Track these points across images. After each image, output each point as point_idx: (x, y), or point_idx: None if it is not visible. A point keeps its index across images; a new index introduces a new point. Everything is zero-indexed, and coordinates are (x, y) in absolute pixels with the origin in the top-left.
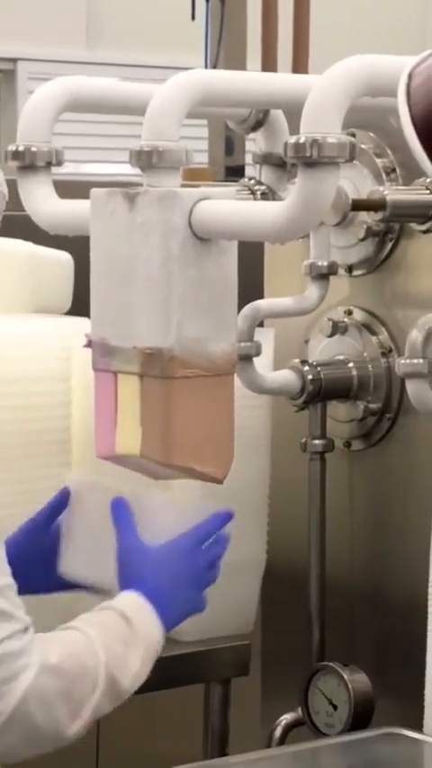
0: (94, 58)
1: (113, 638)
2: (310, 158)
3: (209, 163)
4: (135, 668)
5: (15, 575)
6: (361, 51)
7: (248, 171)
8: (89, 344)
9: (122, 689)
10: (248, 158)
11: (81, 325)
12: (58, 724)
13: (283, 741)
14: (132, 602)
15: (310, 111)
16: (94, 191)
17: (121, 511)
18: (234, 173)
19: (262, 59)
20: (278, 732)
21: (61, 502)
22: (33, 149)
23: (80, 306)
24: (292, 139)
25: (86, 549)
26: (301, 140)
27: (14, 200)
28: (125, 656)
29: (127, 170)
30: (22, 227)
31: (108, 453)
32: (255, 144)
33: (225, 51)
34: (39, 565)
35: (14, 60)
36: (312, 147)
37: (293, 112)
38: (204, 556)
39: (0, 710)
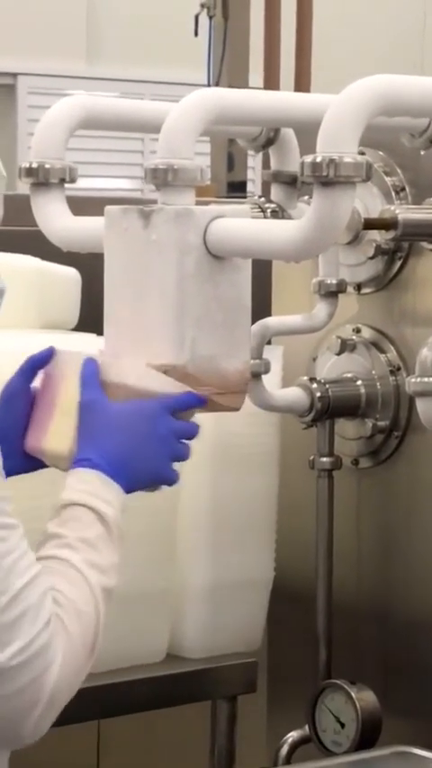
0: (94, 73)
1: (96, 549)
2: (327, 178)
3: (211, 179)
4: (116, 562)
5: None
6: (361, 67)
7: (249, 186)
8: None
9: (113, 589)
10: (250, 174)
11: (90, 342)
12: (83, 676)
13: (289, 759)
14: (94, 485)
15: (326, 131)
16: (108, 208)
17: (90, 368)
18: (236, 188)
19: (264, 74)
20: (285, 750)
21: (39, 362)
22: (47, 166)
23: (87, 322)
24: (309, 159)
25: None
26: (318, 159)
27: (22, 215)
28: (109, 562)
29: (124, 185)
30: (29, 242)
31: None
32: (253, 160)
33: (228, 67)
34: (15, 439)
35: (14, 75)
36: (329, 166)
37: (305, 131)
38: (173, 423)
39: (34, 703)
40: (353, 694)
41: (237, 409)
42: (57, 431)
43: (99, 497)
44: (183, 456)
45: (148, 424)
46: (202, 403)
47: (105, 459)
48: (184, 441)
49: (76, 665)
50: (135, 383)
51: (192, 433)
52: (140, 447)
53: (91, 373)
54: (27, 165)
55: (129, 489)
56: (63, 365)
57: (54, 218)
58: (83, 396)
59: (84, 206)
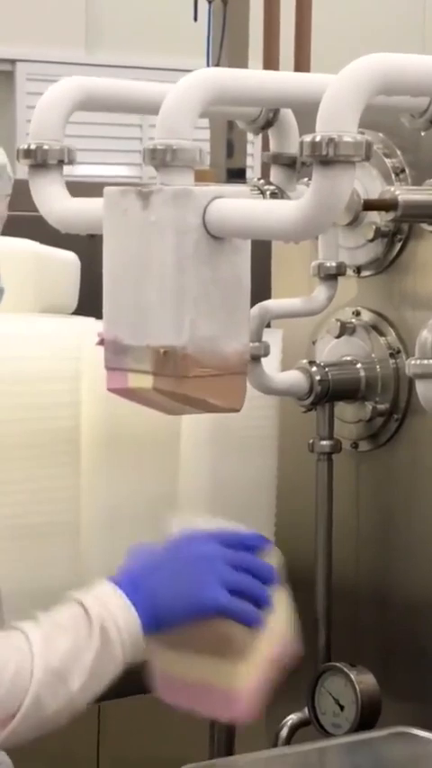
0: (93, 60)
1: (62, 629)
2: (326, 157)
3: (211, 165)
4: (87, 662)
5: None
6: (361, 50)
7: (248, 174)
8: (101, 343)
9: (71, 686)
10: (249, 161)
11: (90, 325)
12: None
13: (289, 741)
14: (98, 589)
15: (326, 110)
16: (107, 189)
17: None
18: (235, 175)
19: (264, 60)
20: (284, 732)
21: None
22: (45, 147)
23: (86, 306)
24: (308, 138)
25: None
26: (317, 139)
27: (20, 200)
28: (75, 650)
29: (123, 172)
30: (28, 227)
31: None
32: (252, 147)
33: (227, 52)
34: None
35: (13, 62)
36: (329, 145)
37: (305, 112)
38: (221, 551)
39: None
40: (352, 677)
41: (237, 410)
42: None
43: (94, 596)
44: (245, 586)
45: (185, 550)
46: (267, 543)
47: (126, 579)
48: (244, 572)
49: None
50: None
51: (256, 566)
52: (173, 572)
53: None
54: (25, 147)
55: (159, 614)
56: None
57: (52, 199)
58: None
59: (82, 191)
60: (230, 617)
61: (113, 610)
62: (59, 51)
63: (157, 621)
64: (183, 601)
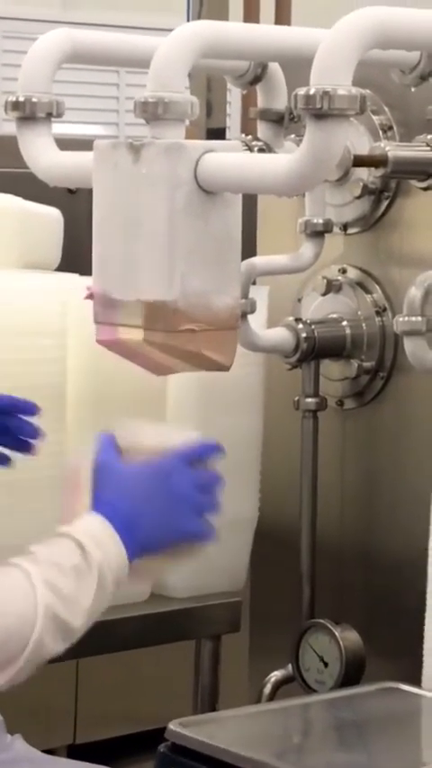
0: (70, 18)
1: (63, 574)
2: (321, 110)
3: (190, 124)
4: (86, 604)
5: None
6: (341, 3)
7: (227, 134)
8: (90, 297)
9: (73, 627)
10: (227, 122)
11: (75, 281)
12: None
13: (272, 698)
14: (92, 527)
15: (320, 63)
16: (97, 142)
17: (104, 436)
18: (214, 134)
19: (244, 18)
20: (268, 689)
21: None
22: (34, 100)
23: (67, 263)
24: (302, 91)
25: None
26: (312, 92)
27: (4, 156)
28: (75, 593)
29: (99, 131)
30: (11, 184)
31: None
32: (230, 107)
33: (207, 11)
34: None
35: None
36: (323, 98)
37: (292, 67)
38: (192, 476)
39: None
40: (337, 634)
41: (227, 368)
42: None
43: (92, 537)
44: (210, 507)
45: (164, 483)
46: (219, 450)
47: (117, 516)
48: (209, 492)
49: None
50: (150, 443)
51: (214, 481)
52: (157, 507)
53: (106, 439)
54: (14, 99)
55: (144, 549)
56: (82, 454)
57: (41, 152)
58: (97, 459)
59: (63, 148)
60: (202, 540)
61: (109, 552)
62: (36, 9)
63: (142, 553)
64: (168, 535)
